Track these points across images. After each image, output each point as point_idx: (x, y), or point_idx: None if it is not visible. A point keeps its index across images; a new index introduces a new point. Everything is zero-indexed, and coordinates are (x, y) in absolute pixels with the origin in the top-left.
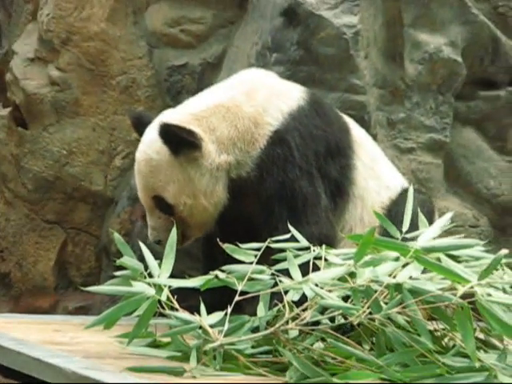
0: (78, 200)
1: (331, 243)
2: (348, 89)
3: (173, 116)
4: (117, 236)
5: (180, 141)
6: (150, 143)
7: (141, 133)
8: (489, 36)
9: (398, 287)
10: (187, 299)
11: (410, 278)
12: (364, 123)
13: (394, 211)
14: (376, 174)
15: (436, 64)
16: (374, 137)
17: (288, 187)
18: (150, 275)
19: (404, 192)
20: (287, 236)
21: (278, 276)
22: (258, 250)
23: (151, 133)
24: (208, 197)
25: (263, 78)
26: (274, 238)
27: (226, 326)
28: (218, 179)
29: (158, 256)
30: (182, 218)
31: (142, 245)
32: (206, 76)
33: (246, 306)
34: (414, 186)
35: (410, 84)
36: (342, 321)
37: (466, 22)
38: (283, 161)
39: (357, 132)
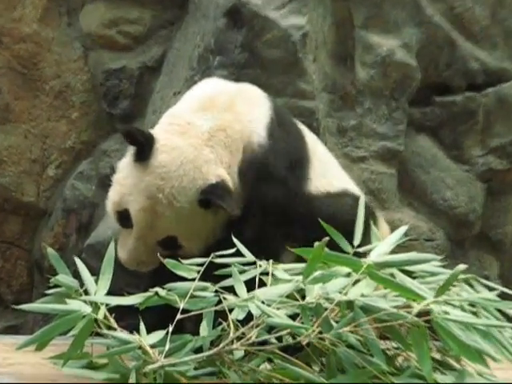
0: (9, 212)
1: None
2: (295, 94)
3: (212, 166)
4: (50, 251)
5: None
6: (184, 191)
7: (143, 151)
8: (444, 38)
9: (349, 305)
10: (126, 318)
11: (362, 295)
12: (313, 130)
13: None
14: (328, 181)
15: (389, 67)
16: (324, 144)
17: (263, 216)
18: (86, 292)
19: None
20: (232, 250)
21: (222, 293)
22: (202, 265)
23: (180, 177)
24: (215, 236)
25: (227, 86)
26: (218, 253)
27: (167, 346)
28: (226, 218)
29: (95, 272)
30: (182, 253)
31: (77, 260)
32: (144, 80)
33: (189, 325)
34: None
35: (361, 89)
36: (290, 340)
37: (420, 23)
38: (265, 195)
39: (310, 138)
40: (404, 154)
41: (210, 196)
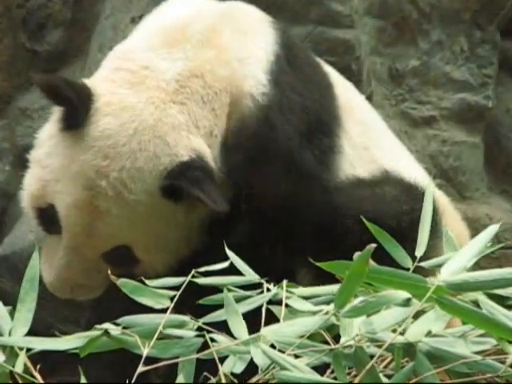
0: None
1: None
2: (323, 19)
3: (183, 133)
4: None
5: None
6: (140, 174)
7: (75, 114)
8: None
9: (408, 349)
10: (59, 370)
11: (429, 333)
12: (351, 75)
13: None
14: (371, 156)
15: None
16: (368, 98)
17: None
18: None
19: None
20: (224, 265)
21: (208, 332)
22: (177, 288)
23: (134, 154)
24: (190, 244)
25: (208, 6)
26: (202, 269)
27: None
28: (206, 217)
29: (9, 299)
30: (140, 270)
31: None
32: (84, 0)
33: (157, 380)
34: (430, 178)
35: (426, 11)
36: None
37: None
38: (265, 161)
39: (342, 88)
40: (495, 112)
41: (181, 181)
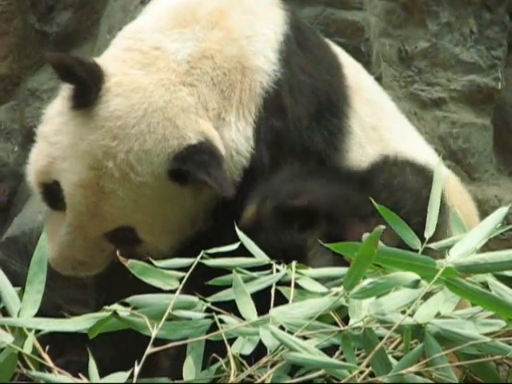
0: None
1: (301, 257)
2: (333, 1)
3: (192, 116)
4: None
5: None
6: (147, 156)
7: (85, 93)
8: None
9: (417, 331)
10: (67, 352)
11: (438, 315)
12: (360, 57)
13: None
14: (380, 136)
15: None
16: (377, 80)
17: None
18: (5, 312)
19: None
20: (234, 246)
21: (217, 313)
22: (186, 269)
23: (143, 136)
24: (194, 226)
25: None
26: (212, 250)
27: None
28: (212, 201)
29: (19, 280)
30: (143, 250)
31: None
32: None
33: (166, 362)
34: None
35: None
36: None
37: None
38: (277, 143)
39: (351, 69)
40: (504, 94)
41: (188, 164)
